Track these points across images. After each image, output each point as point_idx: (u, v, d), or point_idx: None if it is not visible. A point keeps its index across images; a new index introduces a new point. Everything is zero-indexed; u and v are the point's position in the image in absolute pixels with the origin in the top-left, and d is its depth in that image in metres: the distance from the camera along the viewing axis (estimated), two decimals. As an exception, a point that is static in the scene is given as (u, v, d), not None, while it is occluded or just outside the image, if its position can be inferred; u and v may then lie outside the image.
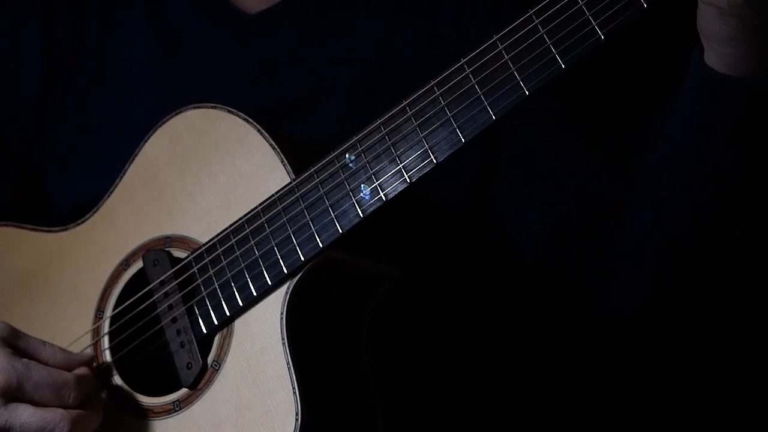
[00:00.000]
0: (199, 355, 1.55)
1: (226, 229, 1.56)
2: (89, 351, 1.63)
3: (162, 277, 1.59)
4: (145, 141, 1.65)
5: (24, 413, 1.47)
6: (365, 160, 1.50)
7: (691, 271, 1.56)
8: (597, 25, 1.38)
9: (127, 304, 1.63)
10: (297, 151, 1.56)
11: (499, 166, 1.69)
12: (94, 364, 1.61)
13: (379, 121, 1.49)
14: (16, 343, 1.53)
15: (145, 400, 1.59)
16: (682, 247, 1.53)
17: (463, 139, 1.45)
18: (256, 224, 1.54)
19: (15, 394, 1.48)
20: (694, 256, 1.54)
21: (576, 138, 1.68)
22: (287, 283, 1.51)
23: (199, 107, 1.61)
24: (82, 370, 1.55)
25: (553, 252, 1.67)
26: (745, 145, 1.44)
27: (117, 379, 1.62)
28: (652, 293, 1.60)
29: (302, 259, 1.51)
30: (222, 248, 1.56)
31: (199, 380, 1.55)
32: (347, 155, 1.51)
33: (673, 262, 1.56)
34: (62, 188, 1.81)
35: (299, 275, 1.51)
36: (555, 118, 1.68)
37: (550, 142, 1.67)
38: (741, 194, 1.48)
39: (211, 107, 1.60)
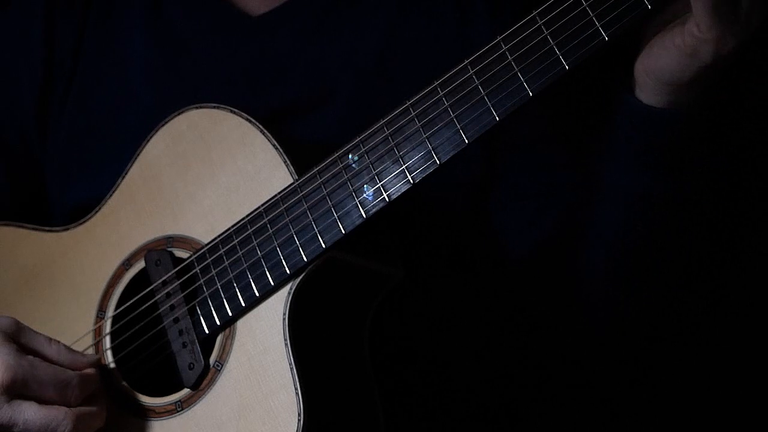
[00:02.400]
0: (201, 356, 1.55)
1: (229, 229, 1.56)
2: (93, 351, 1.63)
3: (164, 277, 1.59)
4: (147, 141, 1.64)
5: (28, 410, 1.47)
6: (368, 161, 1.49)
7: (653, 286, 1.60)
8: (601, 26, 1.38)
9: (128, 304, 1.62)
10: (300, 152, 1.55)
11: (498, 173, 1.69)
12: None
13: (383, 122, 1.49)
14: (22, 339, 1.53)
15: (147, 400, 1.59)
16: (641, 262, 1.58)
17: (466, 140, 1.44)
18: (258, 224, 1.54)
19: (19, 391, 1.47)
20: (652, 273, 1.59)
21: (567, 157, 1.69)
22: (290, 284, 1.51)
23: (201, 107, 1.61)
24: (86, 369, 1.55)
25: (538, 264, 1.70)
26: (676, 170, 1.48)
27: (119, 380, 1.61)
28: (628, 300, 1.65)
29: (305, 259, 1.51)
30: (224, 248, 1.56)
31: (201, 380, 1.55)
32: (350, 156, 1.51)
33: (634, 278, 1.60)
34: (63, 188, 1.81)
35: (302, 276, 1.51)
36: (546, 135, 1.69)
37: (543, 156, 1.69)
38: (691, 214, 1.52)
39: (214, 107, 1.60)
